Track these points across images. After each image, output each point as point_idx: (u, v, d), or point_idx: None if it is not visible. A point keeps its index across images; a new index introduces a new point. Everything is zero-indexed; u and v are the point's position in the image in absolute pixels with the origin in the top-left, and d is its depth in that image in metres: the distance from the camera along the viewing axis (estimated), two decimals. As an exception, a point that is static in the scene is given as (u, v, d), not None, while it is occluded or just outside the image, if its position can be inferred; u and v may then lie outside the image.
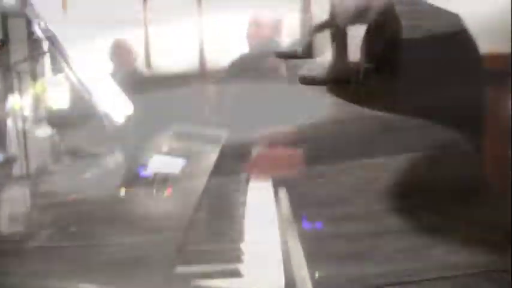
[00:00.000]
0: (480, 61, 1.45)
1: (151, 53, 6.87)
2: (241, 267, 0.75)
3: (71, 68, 1.12)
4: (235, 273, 0.73)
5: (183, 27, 5.69)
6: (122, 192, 1.03)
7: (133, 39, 6.36)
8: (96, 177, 1.27)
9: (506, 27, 1.67)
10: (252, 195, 1.16)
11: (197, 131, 1.81)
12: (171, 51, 6.17)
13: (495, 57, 2.03)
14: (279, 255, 0.81)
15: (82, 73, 1.13)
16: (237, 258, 0.79)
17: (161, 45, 6.49)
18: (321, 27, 2.37)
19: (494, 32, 2.15)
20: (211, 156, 1.49)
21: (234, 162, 1.47)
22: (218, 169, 1.39)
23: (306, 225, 2.98)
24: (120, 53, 3.70)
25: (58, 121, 1.29)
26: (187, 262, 0.76)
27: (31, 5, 1.12)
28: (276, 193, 1.20)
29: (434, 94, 1.30)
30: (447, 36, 1.37)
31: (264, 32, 2.87)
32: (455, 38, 1.40)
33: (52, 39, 1.11)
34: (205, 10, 5.15)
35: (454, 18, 1.40)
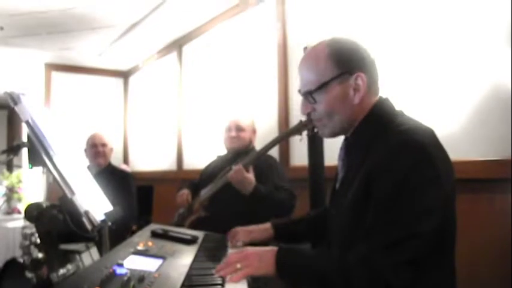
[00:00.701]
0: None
1: (130, 152, 6.95)
2: None
3: (54, 165, 1.14)
4: None
5: (163, 131, 5.83)
6: (98, 290, 1.02)
7: (113, 136, 6.46)
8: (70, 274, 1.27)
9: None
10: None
11: (174, 231, 1.82)
12: (151, 151, 6.26)
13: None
14: None
15: (64, 170, 1.16)
16: None
17: (141, 145, 6.60)
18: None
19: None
20: (187, 257, 1.50)
21: (210, 262, 1.47)
22: (195, 269, 1.39)
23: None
24: (95, 146, 3.75)
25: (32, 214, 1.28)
26: None
27: (21, 102, 1.17)
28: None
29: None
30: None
31: (245, 135, 2.96)
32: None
33: (37, 135, 1.15)
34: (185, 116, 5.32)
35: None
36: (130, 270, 1.21)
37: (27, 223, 4.81)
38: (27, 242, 4.97)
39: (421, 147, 1.20)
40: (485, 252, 2.23)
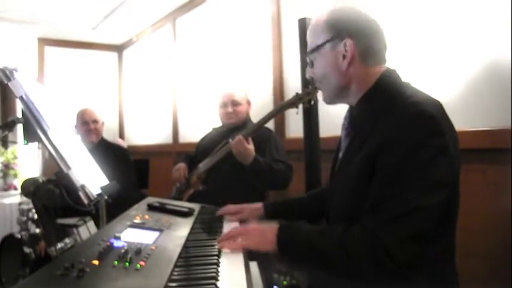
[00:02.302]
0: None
1: (125, 126, 6.94)
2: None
3: (49, 140, 1.15)
4: None
5: (158, 104, 5.82)
6: (95, 262, 1.04)
7: (108, 110, 6.43)
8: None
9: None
10: (224, 268, 1.17)
11: (170, 204, 1.83)
12: (147, 125, 6.25)
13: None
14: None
15: (59, 145, 1.16)
16: None
17: (137, 119, 6.58)
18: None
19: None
20: (184, 229, 1.51)
21: (207, 234, 1.49)
22: (191, 241, 1.41)
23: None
24: (86, 123, 3.69)
25: (29, 189, 1.29)
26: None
27: (14, 78, 1.16)
28: (247, 266, 1.21)
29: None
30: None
31: (242, 109, 2.96)
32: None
33: (31, 110, 1.15)
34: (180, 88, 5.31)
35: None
36: (128, 243, 1.22)
37: (24, 199, 4.82)
38: (24, 218, 4.98)
39: (430, 119, 1.20)
40: (480, 222, 2.26)
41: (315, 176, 2.69)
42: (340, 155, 1.50)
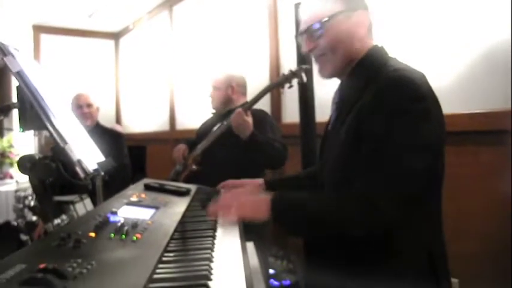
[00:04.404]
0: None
1: (122, 113, 6.93)
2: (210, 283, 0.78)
3: (46, 114, 1.15)
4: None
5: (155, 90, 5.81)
6: (92, 234, 1.05)
7: (105, 98, 6.42)
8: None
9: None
10: (219, 240, 1.18)
11: (167, 184, 1.84)
12: (144, 113, 6.25)
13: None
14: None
15: (56, 120, 1.16)
16: (206, 277, 0.82)
17: (134, 106, 6.57)
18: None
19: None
20: (180, 207, 1.53)
21: (203, 211, 1.50)
22: (187, 218, 1.42)
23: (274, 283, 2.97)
24: (80, 107, 3.67)
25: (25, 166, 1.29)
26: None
27: (11, 54, 1.17)
28: (243, 246, 1.21)
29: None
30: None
31: (220, 93, 2.97)
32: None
33: (28, 85, 1.15)
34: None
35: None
36: (124, 218, 1.23)
37: (21, 186, 4.82)
38: (20, 205, 4.97)
39: (411, 83, 1.23)
40: (478, 204, 2.29)
41: (311, 161, 2.71)
42: (329, 127, 1.52)
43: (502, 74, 2.15)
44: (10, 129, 6.55)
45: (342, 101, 1.47)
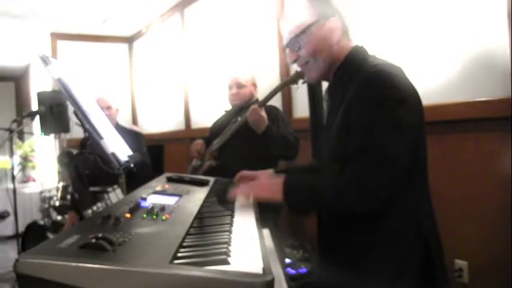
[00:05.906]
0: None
1: (138, 115, 7.09)
2: (229, 259, 0.94)
3: (82, 111, 1.32)
4: (224, 262, 0.92)
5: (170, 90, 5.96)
6: (128, 215, 1.21)
7: (121, 101, 6.58)
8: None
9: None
10: (237, 222, 1.34)
11: (187, 176, 2.01)
12: (160, 113, 6.40)
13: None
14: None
15: (92, 118, 1.33)
16: (225, 253, 0.98)
17: (149, 108, 6.72)
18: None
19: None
20: (201, 194, 1.69)
21: (221, 198, 1.67)
22: (208, 202, 1.59)
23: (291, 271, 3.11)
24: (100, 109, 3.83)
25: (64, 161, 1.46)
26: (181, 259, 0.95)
27: (51, 63, 1.33)
28: (258, 224, 1.36)
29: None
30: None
31: (246, 90, 3.14)
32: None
33: (69, 92, 1.32)
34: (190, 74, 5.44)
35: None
36: (153, 203, 1.40)
37: (45, 188, 4.99)
38: (46, 205, 5.18)
39: (387, 75, 1.40)
40: (480, 187, 2.40)
41: (321, 153, 2.84)
42: (324, 122, 1.71)
43: (502, 63, 2.25)
44: (31, 134, 6.75)
45: (331, 98, 1.64)
